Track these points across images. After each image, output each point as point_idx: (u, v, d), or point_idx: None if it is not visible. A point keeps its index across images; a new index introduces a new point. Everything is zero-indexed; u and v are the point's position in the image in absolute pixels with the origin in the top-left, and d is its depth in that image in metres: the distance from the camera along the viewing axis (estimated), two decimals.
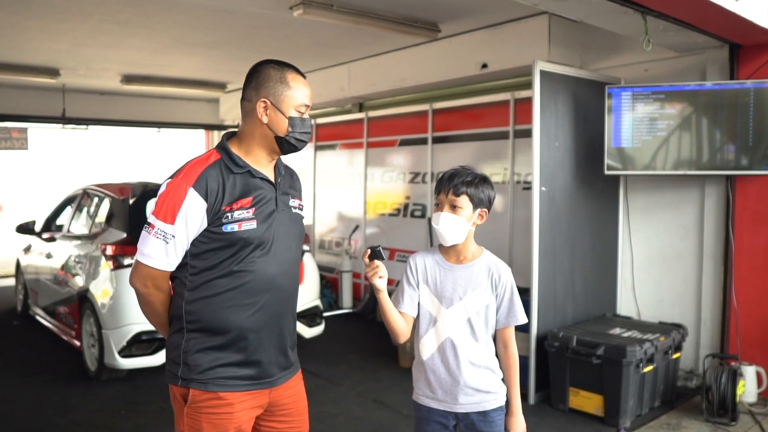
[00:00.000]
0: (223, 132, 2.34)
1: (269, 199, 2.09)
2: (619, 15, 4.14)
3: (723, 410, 4.40)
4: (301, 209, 2.25)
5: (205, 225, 2.00)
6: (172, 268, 2.04)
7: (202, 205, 1.97)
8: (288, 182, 2.22)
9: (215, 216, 1.99)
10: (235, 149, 2.09)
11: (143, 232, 2.01)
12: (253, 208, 2.03)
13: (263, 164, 2.12)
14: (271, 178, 2.13)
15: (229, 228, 1.99)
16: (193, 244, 2.02)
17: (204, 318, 2.03)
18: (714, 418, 4.41)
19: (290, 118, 2.06)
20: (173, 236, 1.98)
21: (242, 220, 2.00)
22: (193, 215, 1.97)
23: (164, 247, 1.98)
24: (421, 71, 6.86)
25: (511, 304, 2.33)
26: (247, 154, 2.10)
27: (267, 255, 2.05)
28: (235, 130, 2.18)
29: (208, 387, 2.02)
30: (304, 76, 2.13)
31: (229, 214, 1.99)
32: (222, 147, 2.09)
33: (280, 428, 2.19)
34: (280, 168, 2.19)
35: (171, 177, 2.03)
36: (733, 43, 4.87)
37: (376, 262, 2.15)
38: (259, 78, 2.08)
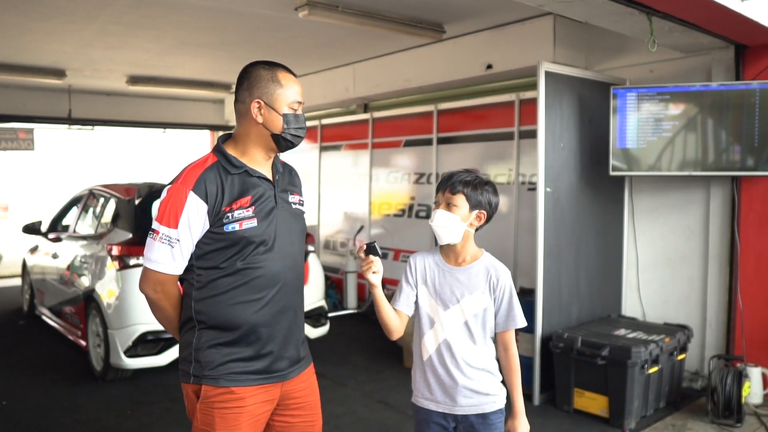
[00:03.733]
0: (219, 134, 2.42)
1: (268, 197, 2.13)
2: (625, 16, 4.14)
3: (728, 411, 4.39)
4: (302, 205, 2.29)
5: (207, 227, 2.05)
6: (180, 271, 2.09)
7: (203, 208, 2.02)
8: (287, 179, 2.26)
9: (216, 217, 2.03)
10: (231, 150, 2.14)
11: (148, 239, 2.06)
12: (253, 207, 2.07)
13: (260, 163, 2.16)
14: (269, 176, 2.17)
15: (230, 228, 2.04)
16: (197, 245, 2.07)
17: (213, 316, 2.08)
18: (719, 419, 4.40)
19: (284, 115, 2.11)
20: (178, 240, 2.03)
21: (242, 219, 2.05)
22: (195, 218, 2.02)
23: (170, 252, 2.04)
24: (425, 72, 6.87)
25: (510, 308, 2.31)
26: (243, 155, 2.14)
27: (271, 251, 2.10)
28: (230, 132, 2.22)
29: (219, 382, 2.06)
30: (294, 74, 2.18)
31: (229, 214, 2.04)
32: (218, 149, 2.14)
33: (293, 422, 2.22)
34: (277, 166, 2.22)
35: (171, 183, 2.08)
36: (739, 44, 4.86)
37: (371, 257, 2.17)
38: (251, 79, 2.12)
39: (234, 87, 8.42)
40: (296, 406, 2.22)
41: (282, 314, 2.14)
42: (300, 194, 2.30)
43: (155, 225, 2.05)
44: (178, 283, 2.15)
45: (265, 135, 2.12)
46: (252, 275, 2.07)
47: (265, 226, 2.09)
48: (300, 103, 2.15)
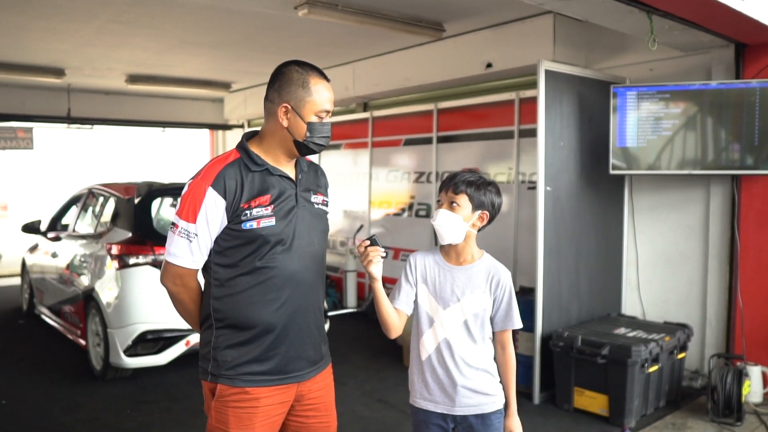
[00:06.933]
0: (244, 132, 2.42)
1: (289, 196, 2.12)
2: (625, 14, 4.14)
3: (728, 410, 4.39)
4: (326, 205, 2.28)
5: (225, 223, 2.05)
6: (198, 266, 2.11)
7: (221, 204, 2.03)
8: (311, 179, 2.26)
9: (234, 214, 2.04)
10: (254, 148, 2.14)
11: (169, 232, 2.09)
12: (272, 206, 2.07)
13: (283, 162, 2.16)
14: (292, 175, 2.17)
15: (247, 225, 2.04)
16: (216, 242, 2.08)
17: (230, 315, 2.09)
18: (719, 418, 4.40)
19: (309, 124, 2.09)
20: (196, 235, 2.04)
21: (261, 218, 2.05)
22: (213, 213, 2.03)
23: (188, 246, 2.05)
24: (425, 71, 6.86)
25: (509, 308, 2.31)
26: (267, 153, 2.13)
27: (288, 251, 2.10)
28: (255, 129, 2.22)
29: (235, 383, 2.07)
30: (327, 79, 2.15)
31: (247, 212, 2.04)
32: (241, 146, 2.14)
33: (308, 423, 2.22)
34: (302, 165, 2.22)
35: (192, 177, 2.09)
36: (739, 43, 4.85)
37: (370, 248, 2.14)
38: (282, 80, 2.10)
39: (233, 86, 8.39)
40: (311, 406, 2.21)
41: (299, 314, 2.14)
42: (324, 194, 2.29)
43: (175, 219, 2.07)
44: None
45: (288, 139, 2.11)
46: (269, 274, 2.07)
47: (284, 226, 2.08)
48: (328, 111, 2.13)
